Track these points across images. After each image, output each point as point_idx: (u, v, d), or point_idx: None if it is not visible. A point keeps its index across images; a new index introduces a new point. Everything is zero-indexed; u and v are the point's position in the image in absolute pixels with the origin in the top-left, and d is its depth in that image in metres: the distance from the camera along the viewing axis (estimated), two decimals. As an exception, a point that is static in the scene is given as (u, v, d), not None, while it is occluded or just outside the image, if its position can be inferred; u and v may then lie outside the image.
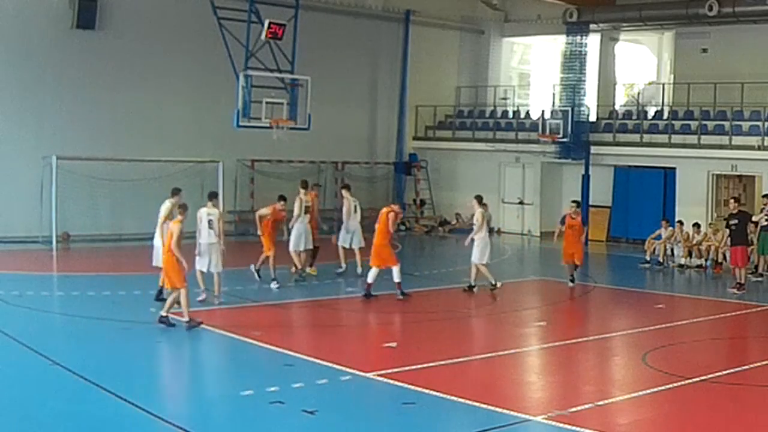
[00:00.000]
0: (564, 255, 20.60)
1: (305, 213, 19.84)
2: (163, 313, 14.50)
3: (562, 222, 21.03)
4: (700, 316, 17.69)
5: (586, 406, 10.70)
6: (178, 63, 27.44)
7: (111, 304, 16.53)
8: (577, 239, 20.58)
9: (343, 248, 20.83)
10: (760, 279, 21.33)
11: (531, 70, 38.14)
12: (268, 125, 23.71)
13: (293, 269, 19.65)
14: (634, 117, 29.76)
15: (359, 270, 19.96)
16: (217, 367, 12.98)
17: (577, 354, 14.11)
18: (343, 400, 11.11)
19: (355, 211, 21.08)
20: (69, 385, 11.45)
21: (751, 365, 12.79)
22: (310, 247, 20.15)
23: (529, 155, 30.90)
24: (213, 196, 17.31)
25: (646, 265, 23.72)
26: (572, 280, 20.37)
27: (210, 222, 16.55)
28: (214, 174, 27.61)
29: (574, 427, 9.74)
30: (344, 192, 21.55)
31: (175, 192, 16.51)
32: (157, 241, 16.09)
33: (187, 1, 26.68)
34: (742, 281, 19.68)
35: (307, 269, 20.03)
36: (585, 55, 29.91)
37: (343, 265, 20.71)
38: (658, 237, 24.20)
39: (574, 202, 21.82)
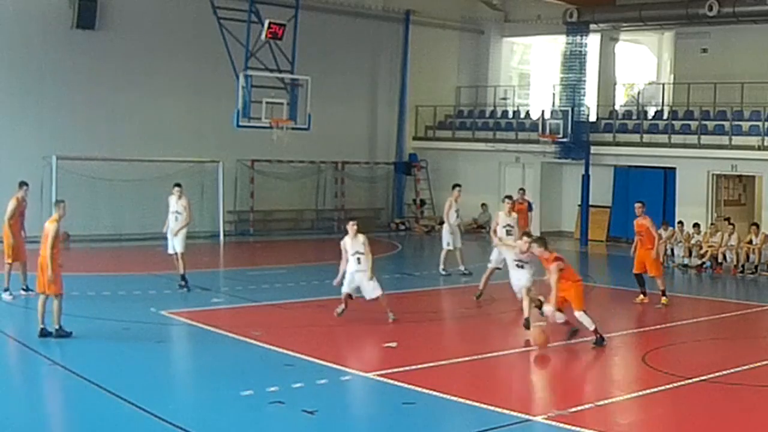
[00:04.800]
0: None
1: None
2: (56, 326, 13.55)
3: (514, 208, 22.95)
4: (700, 316, 17.70)
5: (586, 406, 10.70)
6: (178, 63, 27.44)
7: (111, 304, 16.53)
8: (525, 224, 22.57)
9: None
10: None
11: (531, 70, 38.15)
12: (268, 125, 23.72)
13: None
14: (634, 117, 29.76)
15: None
16: (217, 367, 12.96)
17: (577, 354, 14.11)
18: (343, 400, 11.12)
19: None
20: (69, 385, 11.45)
21: (751, 365, 12.77)
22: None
23: (529, 155, 30.89)
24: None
25: (647, 265, 23.68)
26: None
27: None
28: (214, 174, 27.65)
29: (574, 427, 9.74)
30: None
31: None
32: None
33: (187, 1, 26.68)
34: None
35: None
36: (585, 55, 29.90)
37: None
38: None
39: (520, 189, 24.17)
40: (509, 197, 19.11)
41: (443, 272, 21.10)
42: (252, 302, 17.27)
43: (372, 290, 15.26)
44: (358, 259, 15.16)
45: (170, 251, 18.18)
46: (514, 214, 18.50)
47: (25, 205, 17.35)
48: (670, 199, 27.50)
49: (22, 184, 17.38)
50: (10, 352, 13.23)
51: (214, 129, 27.38)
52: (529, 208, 23.83)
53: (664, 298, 17.96)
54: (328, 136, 29.45)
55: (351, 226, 15.33)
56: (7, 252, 16.70)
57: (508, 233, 17.87)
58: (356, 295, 15.41)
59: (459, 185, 21.77)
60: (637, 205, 19.23)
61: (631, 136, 28.76)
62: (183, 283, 17.83)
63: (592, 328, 13.78)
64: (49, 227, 13.59)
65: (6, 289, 16.59)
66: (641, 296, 18.15)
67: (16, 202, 16.95)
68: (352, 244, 15.23)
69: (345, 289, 15.33)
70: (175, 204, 18.14)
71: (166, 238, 18.29)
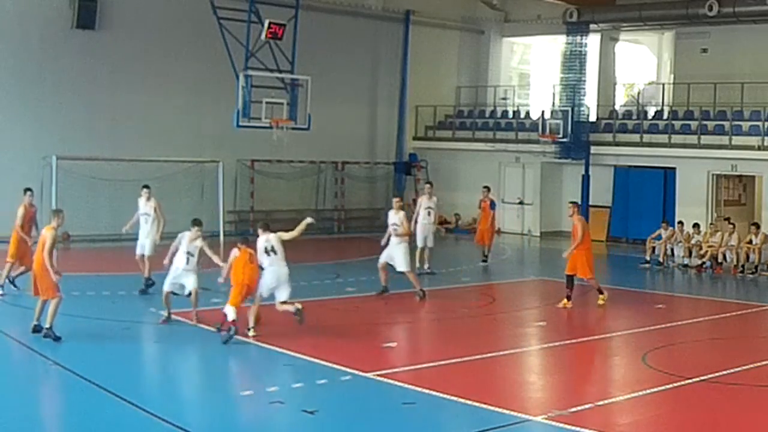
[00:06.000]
0: (477, 236, 23.54)
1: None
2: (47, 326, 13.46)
3: (480, 206, 23.84)
4: (700, 316, 17.70)
5: (586, 406, 10.70)
6: (178, 63, 27.42)
7: (111, 304, 16.54)
8: (486, 220, 23.18)
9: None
10: None
11: (531, 70, 38.15)
12: (268, 125, 23.72)
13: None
14: (634, 117, 29.76)
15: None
16: (217, 367, 12.97)
17: (577, 354, 14.12)
18: (343, 400, 11.11)
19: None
20: (69, 385, 11.45)
21: (751, 365, 12.78)
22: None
23: (529, 155, 30.89)
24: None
25: (646, 265, 23.73)
26: (485, 260, 23.16)
27: None
28: (214, 174, 27.58)
29: (574, 427, 9.74)
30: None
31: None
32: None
33: (187, 1, 26.67)
34: None
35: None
36: (585, 55, 29.90)
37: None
38: (659, 237, 24.20)
39: (485, 187, 24.09)
40: (398, 197, 19.16)
41: (427, 270, 21.08)
42: (252, 302, 17.23)
43: (191, 286, 14.88)
44: (188, 259, 14.82)
45: (138, 252, 18.02)
46: (401, 213, 18.07)
47: (35, 210, 17.65)
48: (670, 199, 27.51)
49: (27, 190, 17.67)
50: (10, 352, 13.22)
51: (214, 129, 27.37)
52: (492, 206, 23.66)
53: (601, 296, 17.70)
54: (328, 136, 29.44)
55: (195, 230, 14.92)
56: (10, 252, 17.00)
57: (394, 231, 17.90)
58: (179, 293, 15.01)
59: (430, 182, 21.84)
60: (568, 204, 18.47)
61: (631, 136, 28.76)
62: (144, 287, 17.69)
63: (230, 318, 13.52)
64: (47, 234, 13.61)
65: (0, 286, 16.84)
66: (565, 300, 17.35)
67: (24, 209, 17.26)
68: (189, 244, 14.86)
69: (167, 288, 14.85)
70: (144, 206, 18.12)
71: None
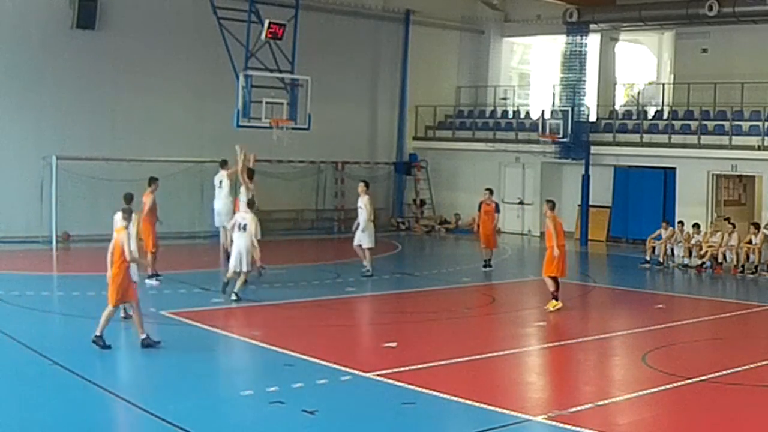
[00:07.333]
0: (482, 240, 22.32)
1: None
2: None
3: (479, 209, 22.73)
4: (700, 316, 17.69)
5: (586, 406, 10.71)
6: (178, 63, 27.43)
7: (111, 304, 16.51)
8: (492, 224, 22.41)
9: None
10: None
11: (531, 70, 38.16)
12: (268, 125, 23.72)
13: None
14: (634, 117, 29.75)
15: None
16: (217, 367, 12.98)
17: (577, 354, 14.12)
18: (343, 400, 11.11)
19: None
20: (69, 385, 11.45)
21: (751, 365, 12.78)
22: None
23: (529, 155, 30.88)
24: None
25: (646, 265, 23.73)
26: (487, 265, 22.29)
27: None
28: (214, 174, 27.60)
29: (574, 427, 9.74)
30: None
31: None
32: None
33: (187, 1, 26.69)
34: None
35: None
36: (585, 55, 29.88)
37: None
38: (659, 237, 24.20)
39: (487, 189, 23.12)
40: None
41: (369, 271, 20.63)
42: (252, 302, 17.26)
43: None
44: None
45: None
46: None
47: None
48: (670, 199, 27.49)
49: (154, 180, 18.75)
50: (10, 353, 13.22)
51: (214, 129, 27.34)
52: (497, 209, 22.84)
53: (552, 302, 16.74)
54: (328, 136, 29.44)
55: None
56: (152, 242, 18.12)
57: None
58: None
59: (363, 181, 21.51)
60: (545, 202, 18.19)
61: (631, 136, 28.75)
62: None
63: None
64: (122, 236, 13.17)
65: (150, 276, 17.97)
66: (553, 302, 16.86)
67: (154, 198, 18.25)
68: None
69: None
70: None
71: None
